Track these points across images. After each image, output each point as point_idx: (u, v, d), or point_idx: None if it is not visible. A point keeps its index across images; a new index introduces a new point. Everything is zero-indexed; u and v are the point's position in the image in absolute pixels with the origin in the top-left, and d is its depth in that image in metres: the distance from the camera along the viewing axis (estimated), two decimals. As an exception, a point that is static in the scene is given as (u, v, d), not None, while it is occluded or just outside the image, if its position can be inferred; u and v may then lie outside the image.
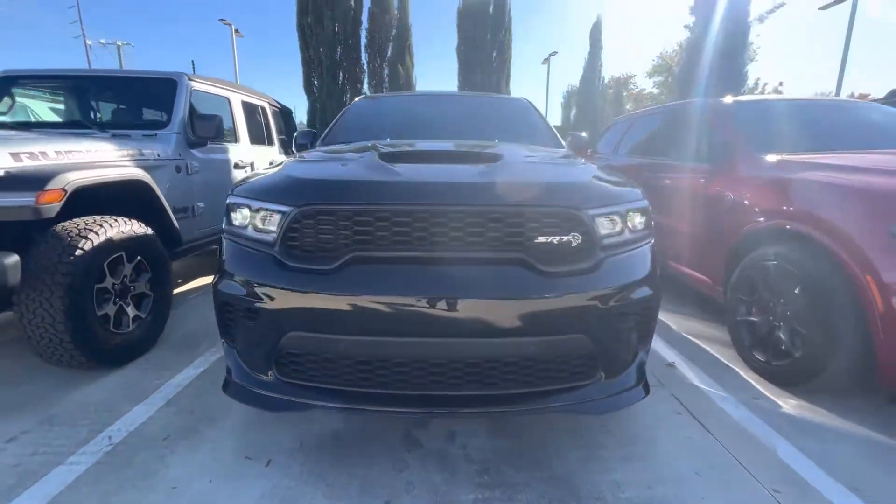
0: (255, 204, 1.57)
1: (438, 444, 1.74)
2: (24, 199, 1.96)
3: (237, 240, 1.60)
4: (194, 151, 3.37)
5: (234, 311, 1.55)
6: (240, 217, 1.61)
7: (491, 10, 12.42)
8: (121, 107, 3.74)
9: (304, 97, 12.28)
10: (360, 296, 1.38)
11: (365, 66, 12.23)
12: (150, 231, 2.57)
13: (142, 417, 1.90)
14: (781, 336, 2.19)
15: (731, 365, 2.46)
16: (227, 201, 1.68)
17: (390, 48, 12.29)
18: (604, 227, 1.53)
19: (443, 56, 16.31)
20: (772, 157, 2.59)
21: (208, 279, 4.12)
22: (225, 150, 3.88)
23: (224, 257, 1.61)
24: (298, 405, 1.50)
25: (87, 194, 2.27)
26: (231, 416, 1.90)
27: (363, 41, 12.09)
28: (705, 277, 2.97)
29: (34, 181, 2.02)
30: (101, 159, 2.48)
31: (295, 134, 3.14)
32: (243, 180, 1.81)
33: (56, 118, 3.79)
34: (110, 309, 2.32)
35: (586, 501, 1.45)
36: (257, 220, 1.56)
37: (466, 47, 12.51)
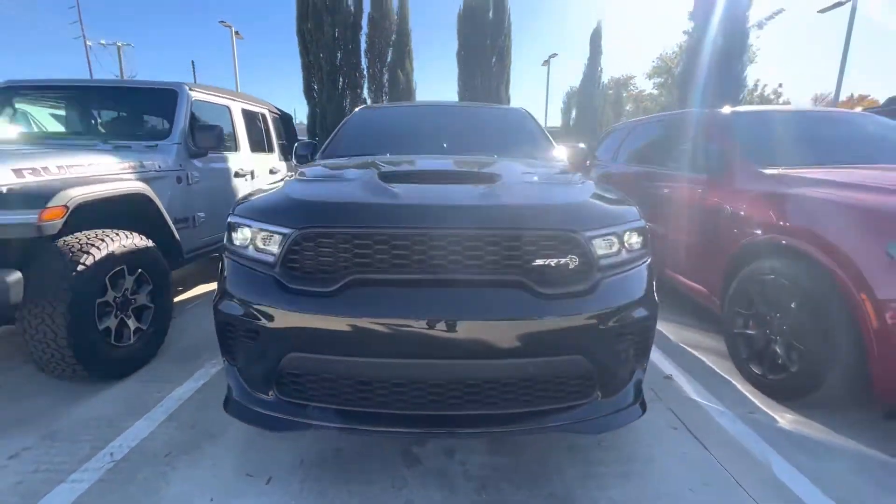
0: (256, 225, 1.59)
1: (438, 462, 1.75)
2: (27, 217, 1.98)
3: (238, 259, 1.62)
4: (195, 161, 3.39)
5: (234, 331, 1.56)
6: (241, 237, 1.63)
7: (491, 15, 12.43)
8: (122, 116, 3.76)
9: (304, 99, 12.31)
10: (360, 318, 1.40)
11: (365, 72, 12.22)
12: (150, 244, 2.59)
13: (143, 433, 1.91)
14: (778, 350, 2.20)
15: (728, 377, 2.47)
16: (229, 220, 1.69)
17: (390, 53, 12.28)
18: (601, 248, 1.55)
19: (443, 58, 16.35)
20: (769, 171, 2.61)
21: (208, 287, 4.14)
22: (225, 160, 3.90)
23: (225, 277, 1.62)
24: (299, 425, 1.51)
25: (88, 208, 2.29)
26: (232, 431, 1.91)
27: (363, 46, 12.09)
28: (702, 288, 2.98)
29: (37, 198, 2.03)
30: (103, 173, 2.50)
31: (295, 145, 3.16)
32: (245, 198, 1.82)
33: (57, 124, 3.81)
34: (111, 322, 2.33)
35: (584, 520, 1.47)
36: (258, 241, 1.57)
37: (466, 53, 12.51)
